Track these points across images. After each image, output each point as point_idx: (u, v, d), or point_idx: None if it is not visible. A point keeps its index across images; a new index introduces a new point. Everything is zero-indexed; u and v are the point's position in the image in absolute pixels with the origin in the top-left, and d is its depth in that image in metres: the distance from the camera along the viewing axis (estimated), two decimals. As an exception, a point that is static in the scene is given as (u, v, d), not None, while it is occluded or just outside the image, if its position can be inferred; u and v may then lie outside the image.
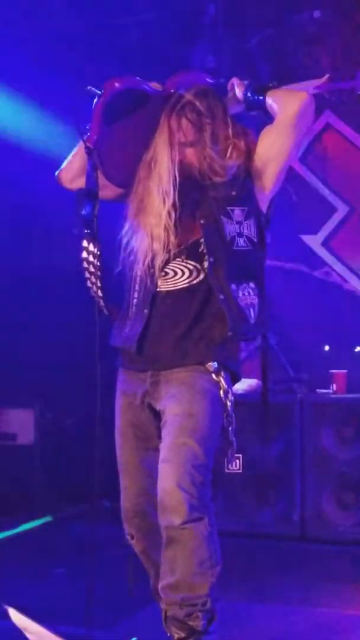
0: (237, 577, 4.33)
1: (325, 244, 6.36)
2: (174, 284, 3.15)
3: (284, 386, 5.67)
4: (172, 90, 3.18)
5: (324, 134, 6.31)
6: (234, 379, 3.21)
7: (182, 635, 3.00)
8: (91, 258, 3.10)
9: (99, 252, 3.09)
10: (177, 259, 3.14)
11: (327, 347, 6.13)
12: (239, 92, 3.26)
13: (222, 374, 3.12)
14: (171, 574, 3.00)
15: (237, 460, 5.37)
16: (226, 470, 5.29)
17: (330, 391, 5.61)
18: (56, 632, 3.22)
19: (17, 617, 3.27)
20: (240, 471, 5.37)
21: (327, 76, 3.40)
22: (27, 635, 3.25)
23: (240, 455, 5.35)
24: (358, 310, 6.18)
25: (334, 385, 5.59)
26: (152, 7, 5.93)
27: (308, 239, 6.39)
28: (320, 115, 6.25)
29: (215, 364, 3.11)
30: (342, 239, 6.34)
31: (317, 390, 5.71)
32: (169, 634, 3.05)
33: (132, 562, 3.38)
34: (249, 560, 4.95)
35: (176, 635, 3.01)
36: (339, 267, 6.33)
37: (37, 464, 6.20)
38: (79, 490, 4.90)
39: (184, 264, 3.15)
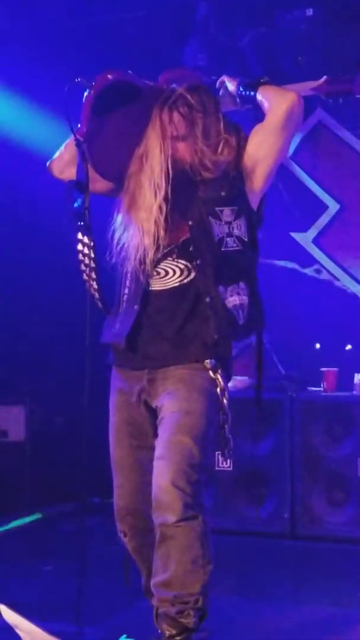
0: (227, 575, 4.33)
1: (316, 241, 6.36)
2: (164, 283, 3.14)
3: (274, 384, 5.67)
4: (164, 85, 3.18)
5: (316, 131, 6.31)
6: (227, 376, 3.21)
7: (174, 632, 3.00)
8: (86, 250, 3.10)
9: (92, 243, 3.09)
10: (168, 258, 3.14)
11: (317, 345, 6.14)
12: (231, 86, 3.27)
13: (220, 371, 3.11)
14: (164, 571, 3.00)
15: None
16: (216, 468, 5.29)
17: (321, 389, 5.61)
18: (47, 629, 3.22)
19: (8, 614, 3.27)
20: (231, 469, 5.36)
21: (324, 78, 3.37)
22: (19, 632, 3.25)
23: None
24: (349, 308, 6.19)
25: (325, 383, 5.59)
26: (143, 5, 5.92)
27: (299, 237, 6.40)
28: (312, 113, 6.26)
29: (213, 361, 3.10)
30: (333, 237, 6.34)
31: (308, 388, 5.71)
32: (159, 631, 3.04)
33: (127, 556, 3.35)
34: (239, 557, 4.95)
35: (167, 632, 3.01)
36: (329, 264, 6.33)
37: (27, 460, 6.19)
38: (69, 487, 4.91)
39: (174, 263, 3.14)
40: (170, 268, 3.14)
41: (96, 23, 6.13)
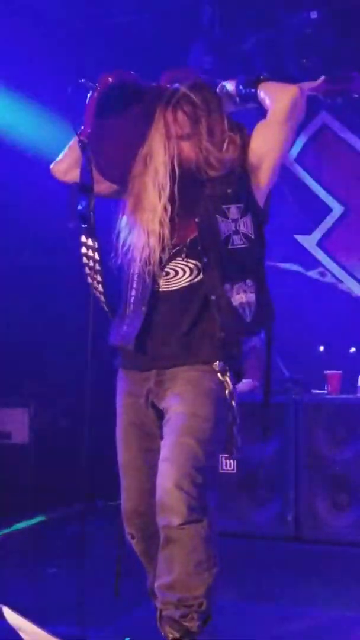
0: (231, 578, 4.30)
1: (320, 244, 6.37)
2: (175, 283, 3.13)
3: (278, 387, 5.66)
4: (167, 86, 3.17)
5: (320, 134, 6.31)
6: (237, 377, 3.19)
7: (177, 635, 2.98)
8: (90, 252, 3.08)
9: (97, 246, 3.08)
10: (178, 258, 3.12)
11: (321, 348, 6.14)
12: (230, 86, 3.25)
13: (228, 373, 3.10)
14: (168, 573, 2.98)
15: (232, 461, 5.36)
16: (220, 471, 5.29)
17: (325, 392, 5.61)
18: (50, 631, 3.21)
19: (11, 616, 3.27)
20: (235, 471, 5.36)
21: (322, 78, 3.37)
22: (21, 634, 3.25)
23: (234, 455, 5.34)
24: (353, 310, 6.19)
25: (329, 386, 5.59)
26: (148, 8, 5.92)
27: (303, 239, 6.40)
28: (316, 115, 6.27)
29: (221, 364, 3.08)
30: (337, 239, 6.34)
31: (312, 390, 5.71)
32: (163, 634, 3.03)
33: (120, 563, 3.33)
34: (243, 560, 4.95)
35: (170, 635, 2.99)
36: (333, 267, 6.34)
37: (31, 463, 6.19)
38: (73, 489, 4.90)
39: (184, 262, 3.12)
40: (180, 268, 3.13)
41: (102, 26, 6.13)
